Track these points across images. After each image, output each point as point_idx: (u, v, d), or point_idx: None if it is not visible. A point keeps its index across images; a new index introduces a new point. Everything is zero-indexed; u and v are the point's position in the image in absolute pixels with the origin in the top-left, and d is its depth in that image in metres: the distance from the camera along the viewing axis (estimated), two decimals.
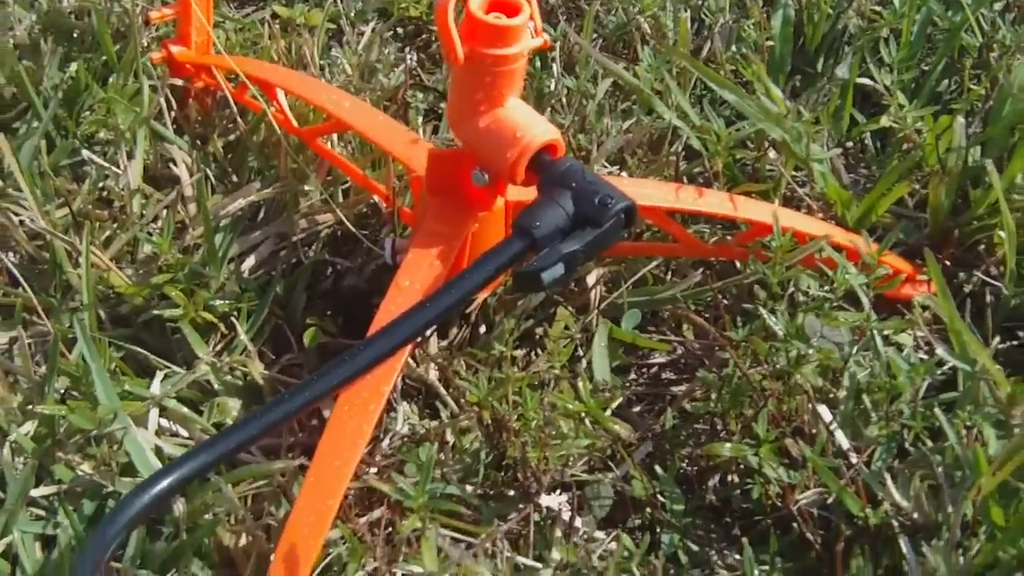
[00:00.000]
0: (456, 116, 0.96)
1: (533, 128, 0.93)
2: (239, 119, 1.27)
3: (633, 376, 1.14)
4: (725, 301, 1.16)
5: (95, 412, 0.97)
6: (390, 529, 0.94)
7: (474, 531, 0.97)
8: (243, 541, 0.94)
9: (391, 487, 0.93)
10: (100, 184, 1.22)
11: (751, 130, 1.24)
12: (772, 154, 1.26)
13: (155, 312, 1.09)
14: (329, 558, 0.92)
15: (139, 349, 1.08)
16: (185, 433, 1.03)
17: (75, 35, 1.42)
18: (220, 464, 0.88)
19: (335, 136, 1.25)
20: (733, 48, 1.39)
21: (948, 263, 1.23)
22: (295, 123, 1.21)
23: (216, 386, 1.06)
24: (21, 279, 1.11)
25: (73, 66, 1.34)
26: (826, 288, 1.05)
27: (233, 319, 1.09)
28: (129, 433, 0.97)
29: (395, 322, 0.87)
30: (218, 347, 1.10)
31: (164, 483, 0.81)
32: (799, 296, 1.13)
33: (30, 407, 0.99)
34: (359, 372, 0.85)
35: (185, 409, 1.03)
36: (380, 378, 0.90)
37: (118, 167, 1.22)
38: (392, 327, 0.87)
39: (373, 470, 0.98)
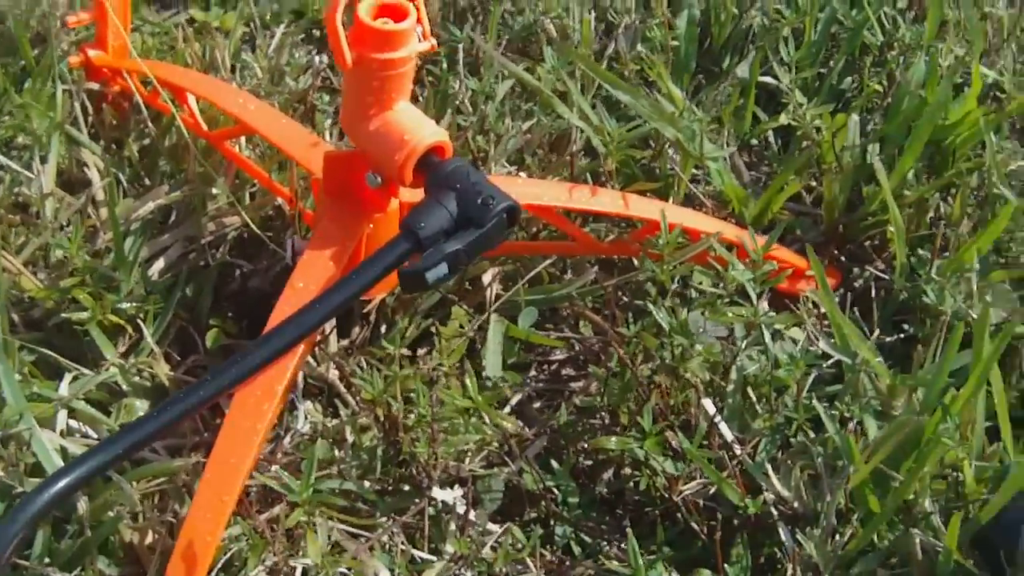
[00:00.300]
0: (348, 119, 0.98)
1: (420, 130, 0.95)
2: (150, 124, 1.28)
3: (534, 373, 1.16)
4: (624, 298, 1.18)
5: (1, 414, 0.99)
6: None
7: (371, 525, 0.99)
8: (148, 538, 0.96)
9: (278, 483, 0.95)
10: (15, 189, 1.24)
11: (647, 129, 1.25)
12: (671, 152, 1.28)
13: (64, 315, 1.10)
14: (230, 553, 0.94)
15: (50, 352, 1.09)
16: (94, 434, 1.04)
17: None
18: (117, 463, 0.89)
19: (244, 139, 1.26)
20: (639, 48, 1.41)
21: (843, 259, 1.26)
22: (204, 127, 1.23)
23: (124, 387, 1.07)
24: None
25: None
26: (720, 285, 1.07)
27: (140, 321, 1.11)
28: (35, 434, 0.99)
29: (284, 323, 0.89)
30: (125, 349, 1.12)
31: (63, 482, 0.84)
32: (692, 293, 1.15)
33: None
34: (250, 372, 0.88)
35: (93, 410, 1.04)
36: (273, 377, 0.92)
37: (33, 172, 1.23)
38: (281, 328, 0.89)
39: (275, 467, 1.01)
